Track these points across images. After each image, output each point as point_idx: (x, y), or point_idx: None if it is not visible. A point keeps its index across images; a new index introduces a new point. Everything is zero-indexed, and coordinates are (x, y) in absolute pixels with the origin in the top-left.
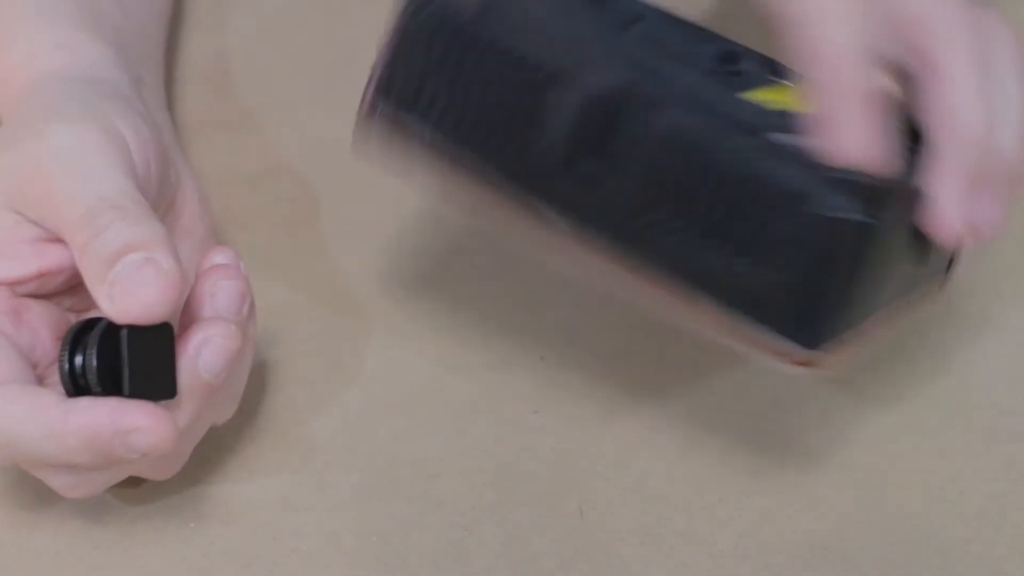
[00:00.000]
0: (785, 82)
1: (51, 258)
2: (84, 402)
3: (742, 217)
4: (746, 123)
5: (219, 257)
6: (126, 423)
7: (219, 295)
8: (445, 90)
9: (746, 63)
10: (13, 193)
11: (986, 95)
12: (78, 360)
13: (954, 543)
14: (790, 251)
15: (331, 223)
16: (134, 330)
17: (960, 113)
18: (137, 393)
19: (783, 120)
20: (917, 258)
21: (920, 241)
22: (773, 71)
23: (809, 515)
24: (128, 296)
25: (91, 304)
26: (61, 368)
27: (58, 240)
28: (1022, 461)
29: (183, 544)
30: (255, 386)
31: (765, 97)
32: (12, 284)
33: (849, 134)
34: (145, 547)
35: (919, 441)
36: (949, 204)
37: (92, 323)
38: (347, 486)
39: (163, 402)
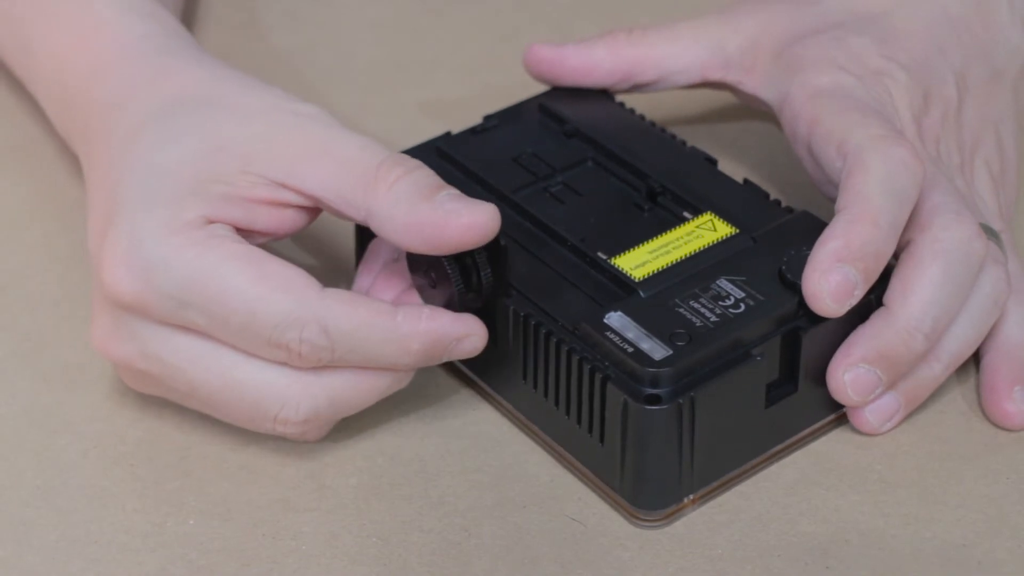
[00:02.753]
0: (692, 217)
1: (287, 219)
2: (425, 311)
3: (576, 396)
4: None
5: None
6: (462, 330)
7: None
8: None
9: (663, 200)
10: (259, 156)
11: (936, 324)
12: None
13: (954, 547)
14: (609, 430)
15: (331, 223)
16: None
17: (905, 325)
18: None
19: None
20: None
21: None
22: (687, 207)
23: (808, 519)
24: (461, 217)
25: None
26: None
27: (286, 203)
28: (1022, 464)
29: (183, 542)
30: None
31: (641, 257)
32: (253, 235)
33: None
34: (144, 543)
35: (919, 442)
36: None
37: None
38: (347, 487)
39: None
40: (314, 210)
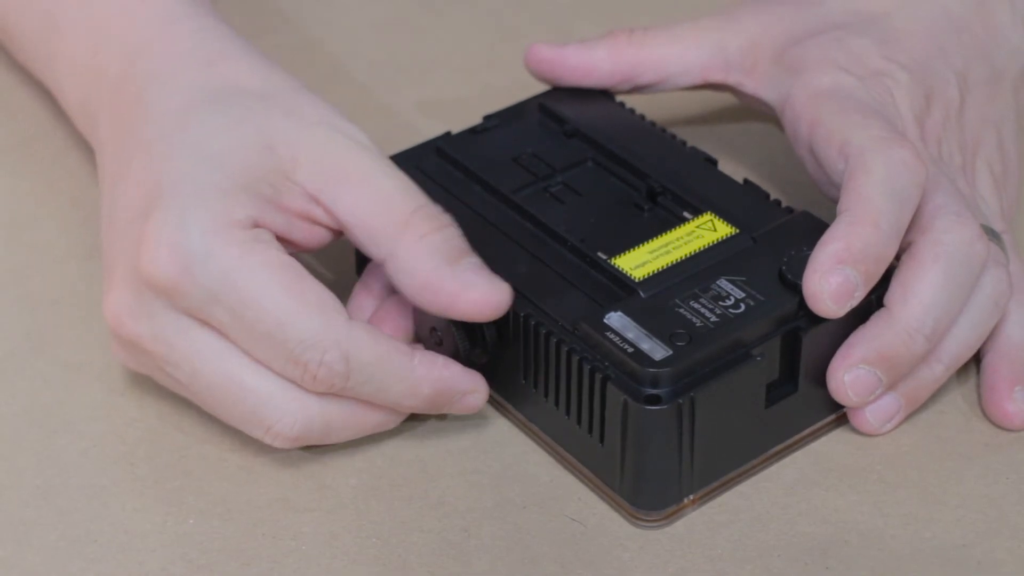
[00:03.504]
0: (692, 217)
1: (317, 235)
2: (440, 359)
3: (576, 396)
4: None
5: None
6: (470, 385)
7: None
8: None
9: (663, 200)
10: (305, 165)
11: (937, 326)
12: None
13: (953, 547)
14: (609, 430)
15: None
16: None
17: (905, 327)
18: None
19: (623, 301)
20: (785, 413)
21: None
22: (687, 207)
23: (808, 519)
24: (476, 291)
25: None
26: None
27: (316, 220)
28: (1022, 464)
29: (182, 541)
30: None
31: (641, 257)
32: (286, 245)
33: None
34: (144, 543)
35: (919, 443)
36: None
37: None
38: (347, 487)
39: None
40: (340, 232)
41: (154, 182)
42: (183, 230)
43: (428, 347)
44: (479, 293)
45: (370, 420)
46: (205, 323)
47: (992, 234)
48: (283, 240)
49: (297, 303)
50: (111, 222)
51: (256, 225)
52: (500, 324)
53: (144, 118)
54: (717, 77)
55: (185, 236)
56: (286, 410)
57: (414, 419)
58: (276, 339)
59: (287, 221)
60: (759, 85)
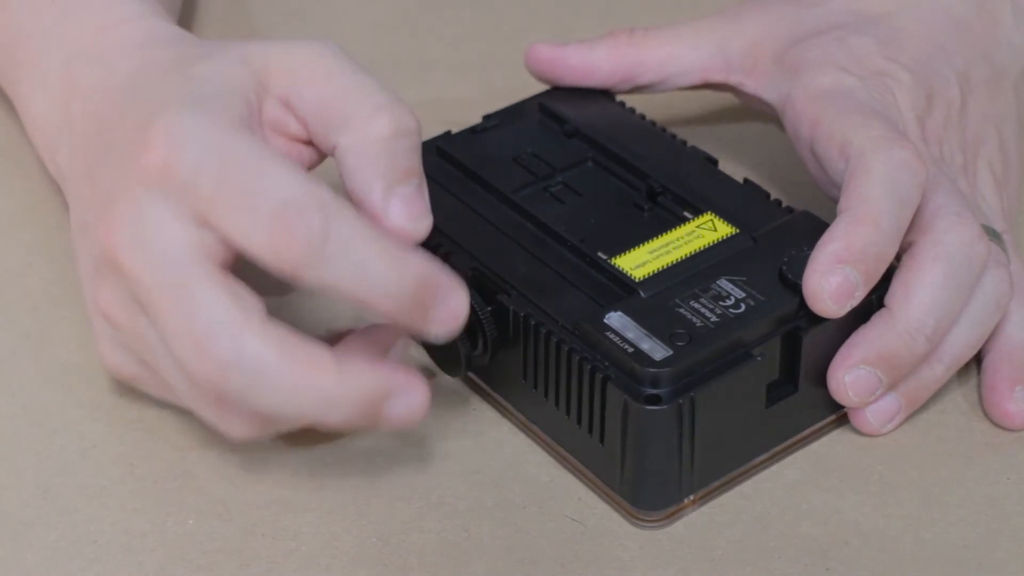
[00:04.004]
0: (692, 217)
1: (295, 155)
2: (423, 252)
3: (576, 396)
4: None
5: None
6: (451, 283)
7: None
8: None
9: (663, 200)
10: (274, 70)
11: (938, 326)
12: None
13: (955, 548)
14: (609, 430)
15: None
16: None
17: (906, 327)
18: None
19: (623, 301)
20: (785, 413)
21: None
22: (687, 207)
23: (808, 520)
24: (405, 207)
25: None
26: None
27: (291, 134)
28: (1022, 464)
29: (182, 542)
30: None
31: (642, 257)
32: None
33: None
34: (144, 543)
35: (919, 443)
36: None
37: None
38: (347, 487)
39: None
40: (316, 151)
41: (148, 111)
42: (180, 116)
43: (430, 352)
44: (394, 223)
45: (311, 386)
46: (190, 221)
47: (993, 234)
48: None
49: (284, 166)
50: (104, 167)
51: (248, 124)
52: (502, 324)
53: (130, 97)
54: (718, 77)
55: (180, 120)
56: (222, 326)
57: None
58: (259, 197)
59: (269, 135)
60: (760, 85)
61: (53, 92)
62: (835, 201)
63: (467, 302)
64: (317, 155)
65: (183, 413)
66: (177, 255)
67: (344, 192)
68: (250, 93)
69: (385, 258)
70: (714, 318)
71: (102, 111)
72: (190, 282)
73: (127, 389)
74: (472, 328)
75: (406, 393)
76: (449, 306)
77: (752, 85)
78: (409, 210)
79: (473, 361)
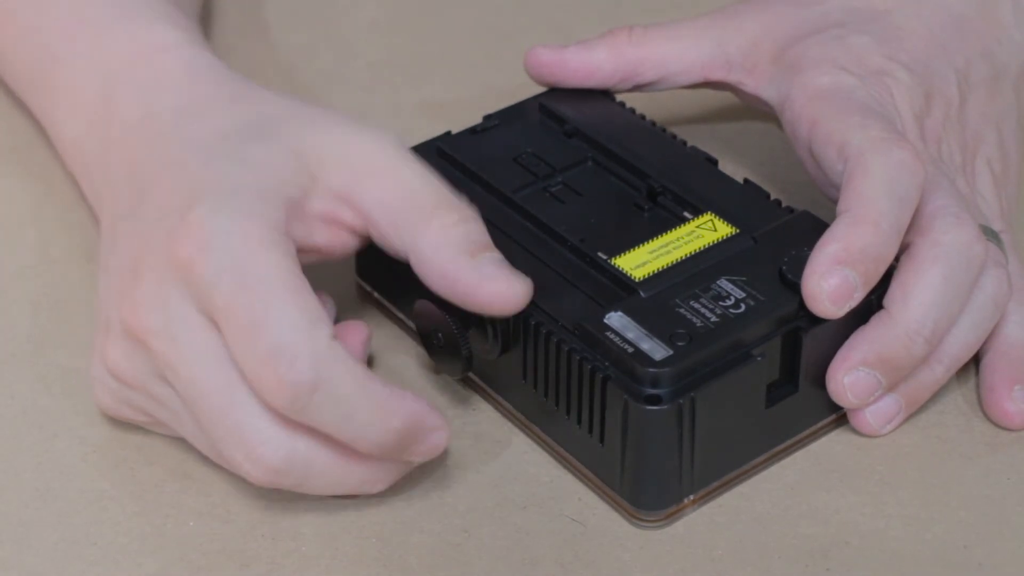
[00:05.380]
0: (692, 217)
1: (340, 240)
2: (410, 394)
3: (576, 396)
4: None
5: None
6: (438, 421)
7: None
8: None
9: (663, 200)
10: (331, 163)
11: (937, 328)
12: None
13: (955, 548)
14: (609, 430)
15: None
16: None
17: (905, 329)
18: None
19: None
20: (783, 413)
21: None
22: (687, 207)
23: (808, 520)
24: (496, 284)
25: None
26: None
27: (342, 222)
28: (1022, 464)
29: (182, 543)
30: None
31: (642, 257)
32: (309, 252)
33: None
34: (144, 545)
35: (919, 443)
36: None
37: None
38: None
39: None
40: (363, 237)
41: (190, 187)
42: (213, 215)
43: (431, 352)
44: (498, 286)
45: (354, 472)
46: (211, 319)
47: (991, 234)
48: (309, 249)
49: (288, 306)
50: (137, 225)
51: (284, 229)
52: (505, 324)
53: (174, 143)
54: (718, 76)
55: (212, 219)
56: (271, 435)
57: None
58: (257, 333)
59: (308, 227)
60: (759, 84)
61: (89, 118)
62: (834, 201)
63: (447, 440)
64: (360, 243)
65: None
66: (201, 349)
67: (429, 285)
68: (294, 190)
69: (372, 408)
70: (714, 318)
71: (140, 152)
72: (231, 383)
73: None
74: (481, 321)
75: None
76: (429, 445)
77: (752, 84)
78: (503, 274)
79: (475, 360)
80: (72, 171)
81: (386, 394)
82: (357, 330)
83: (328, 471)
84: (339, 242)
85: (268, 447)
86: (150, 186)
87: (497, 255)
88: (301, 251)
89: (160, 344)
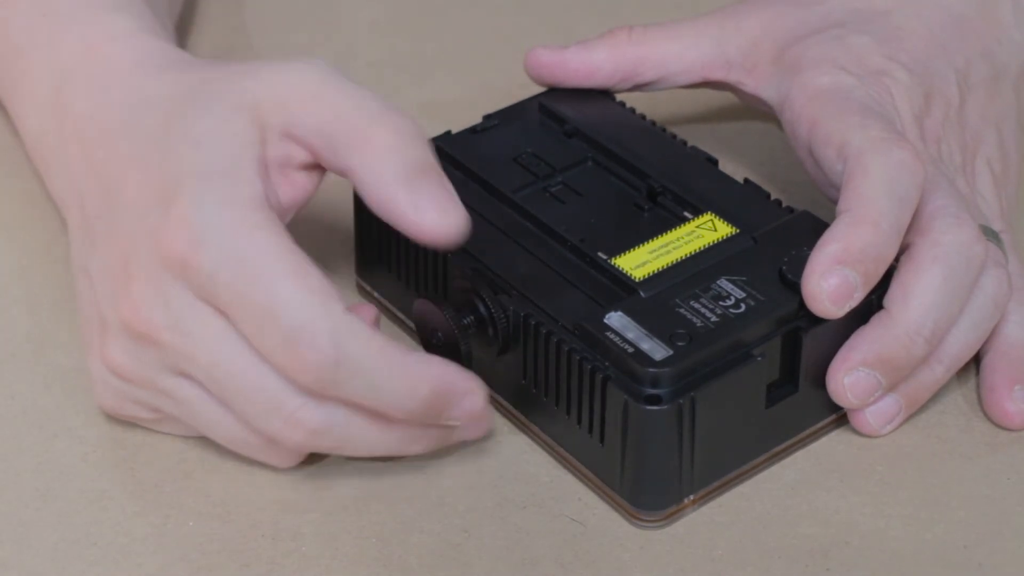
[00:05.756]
0: (692, 217)
1: (299, 184)
2: (436, 358)
3: (576, 396)
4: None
5: None
6: (468, 384)
7: None
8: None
9: (663, 200)
10: (266, 104)
11: (937, 328)
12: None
13: (955, 548)
14: (609, 430)
15: (330, 222)
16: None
17: (905, 330)
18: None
19: (623, 302)
20: (785, 413)
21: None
22: (687, 207)
23: (808, 520)
24: (428, 215)
25: None
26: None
27: (293, 162)
28: (1022, 464)
29: (182, 543)
30: None
31: (642, 257)
32: (288, 211)
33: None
34: (144, 545)
35: (919, 443)
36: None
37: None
38: (347, 488)
39: None
40: (317, 169)
41: (159, 182)
42: (197, 208)
43: (430, 352)
44: (430, 217)
45: (393, 432)
46: (217, 308)
47: (991, 234)
48: (288, 206)
49: (296, 286)
50: (114, 229)
51: (264, 199)
52: (505, 324)
53: (123, 140)
54: (718, 75)
55: (198, 213)
56: (307, 399)
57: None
58: (271, 320)
59: (278, 178)
60: (759, 84)
61: (44, 113)
62: (834, 202)
63: (484, 402)
64: (318, 177)
65: None
66: (216, 335)
67: (369, 207)
68: (251, 149)
69: (397, 374)
70: (714, 318)
71: (96, 150)
72: (252, 363)
73: None
74: (482, 321)
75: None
76: (465, 408)
77: (752, 84)
78: (438, 204)
79: (475, 360)
80: (35, 165)
81: (410, 362)
82: (367, 311)
83: (366, 431)
84: (299, 186)
85: (306, 409)
86: (117, 184)
87: (435, 179)
88: (283, 212)
89: (172, 337)
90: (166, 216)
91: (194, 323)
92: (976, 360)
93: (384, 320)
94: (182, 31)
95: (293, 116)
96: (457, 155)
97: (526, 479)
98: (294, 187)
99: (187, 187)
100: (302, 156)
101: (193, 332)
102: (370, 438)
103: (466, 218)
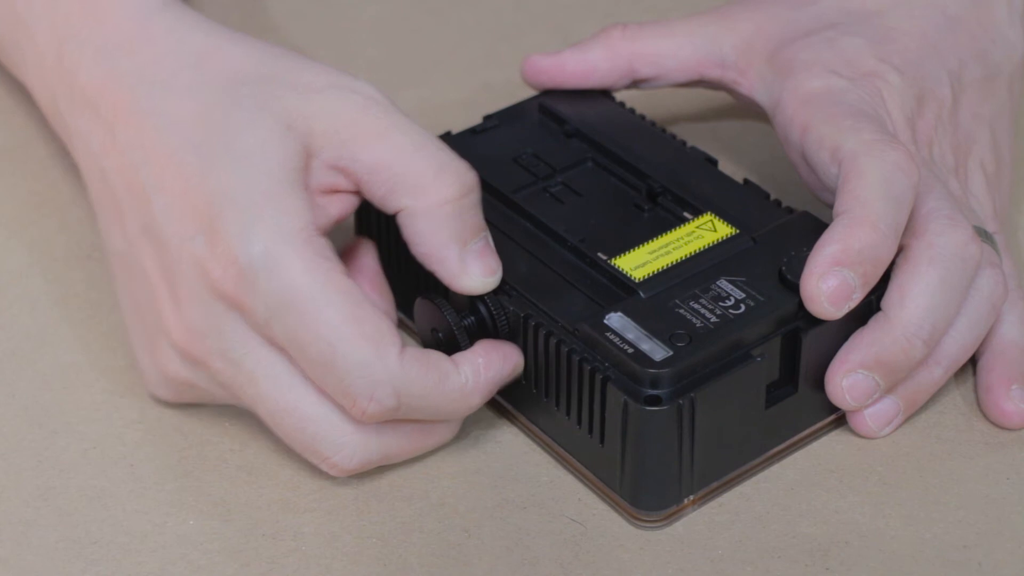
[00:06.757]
0: (692, 218)
1: (344, 202)
2: (479, 358)
3: (576, 397)
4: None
5: None
6: (510, 364)
7: None
8: None
9: (663, 200)
10: (321, 135)
11: (934, 330)
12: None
13: (954, 548)
14: (609, 430)
15: None
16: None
17: (903, 332)
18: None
19: (623, 303)
20: (783, 414)
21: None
22: (687, 207)
23: (808, 520)
24: (481, 265)
25: None
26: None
27: (340, 189)
28: (1022, 464)
29: (182, 542)
30: None
31: (641, 258)
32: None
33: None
34: (144, 544)
35: (919, 443)
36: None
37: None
38: (347, 487)
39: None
40: (361, 195)
41: (204, 200)
42: (245, 244)
43: (428, 346)
44: (473, 280)
45: (429, 440)
46: (271, 342)
47: (985, 235)
48: (330, 225)
49: (352, 331)
50: (156, 241)
51: (315, 229)
52: (505, 324)
53: (153, 127)
54: (713, 74)
55: (246, 250)
56: (345, 442)
57: None
58: (328, 366)
59: (322, 202)
60: (753, 86)
61: (52, 79)
62: (828, 205)
63: (519, 360)
64: (359, 199)
65: (184, 414)
66: (265, 371)
67: (411, 249)
68: (297, 173)
69: (454, 400)
70: (714, 319)
71: (123, 132)
72: (300, 402)
73: (127, 390)
74: (482, 322)
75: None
76: (513, 377)
77: (746, 85)
78: (485, 266)
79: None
80: (55, 132)
81: (463, 382)
82: (365, 250)
83: (405, 449)
84: (344, 204)
85: (343, 455)
86: (150, 180)
87: (484, 240)
88: (330, 226)
89: (222, 365)
90: (212, 246)
91: (246, 356)
92: (972, 361)
93: None
94: None
95: (346, 150)
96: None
97: (526, 479)
98: (343, 207)
99: (232, 214)
100: (347, 185)
101: (243, 365)
102: (409, 454)
103: (500, 268)
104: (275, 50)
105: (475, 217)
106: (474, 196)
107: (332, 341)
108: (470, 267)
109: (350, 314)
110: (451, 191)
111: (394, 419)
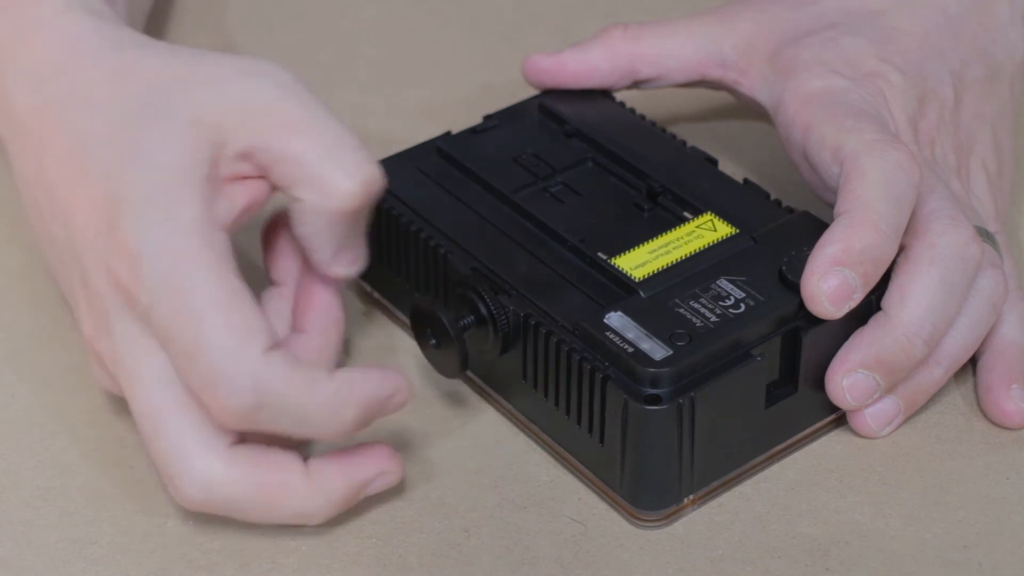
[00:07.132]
0: (692, 217)
1: (255, 189)
2: (358, 374)
3: (576, 396)
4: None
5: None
6: (391, 387)
7: None
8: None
9: (663, 200)
10: (232, 126)
11: (935, 330)
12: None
13: (954, 548)
14: (609, 430)
15: None
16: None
17: (904, 332)
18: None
19: (625, 302)
20: (783, 413)
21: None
22: (687, 207)
23: (808, 520)
24: (350, 255)
25: None
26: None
27: (253, 176)
28: (1022, 464)
29: (182, 542)
30: None
31: (642, 257)
32: (233, 223)
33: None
34: (144, 544)
35: (919, 443)
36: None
37: None
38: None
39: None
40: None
41: (103, 201)
42: (137, 233)
43: (426, 352)
44: (337, 271)
45: (281, 498)
46: (154, 336)
47: (986, 235)
48: (238, 217)
49: (219, 319)
50: (74, 254)
51: (209, 220)
52: (505, 324)
53: (72, 146)
54: (714, 73)
55: (137, 238)
56: (192, 464)
57: (414, 420)
58: (192, 355)
59: (228, 199)
60: (754, 86)
61: None
62: (829, 205)
63: (408, 395)
64: (270, 187)
65: None
66: (139, 374)
67: (293, 227)
68: (202, 167)
69: (322, 408)
70: (714, 318)
71: (46, 159)
72: (162, 409)
73: None
74: (482, 321)
75: (380, 476)
76: (394, 406)
77: (747, 85)
78: (349, 265)
79: (475, 360)
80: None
81: (334, 391)
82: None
83: (256, 500)
84: (255, 194)
85: (185, 478)
86: (65, 205)
87: (358, 240)
88: (232, 225)
89: (112, 365)
90: (113, 241)
91: (128, 355)
92: (972, 361)
93: (384, 320)
94: (179, 31)
95: (257, 138)
96: (457, 156)
97: (526, 479)
98: (251, 192)
99: (127, 208)
100: (254, 172)
101: (126, 363)
102: (263, 504)
103: (366, 255)
104: (191, 52)
105: (359, 222)
106: (369, 206)
107: (198, 327)
108: (336, 266)
109: (222, 303)
110: (356, 201)
111: (257, 429)
